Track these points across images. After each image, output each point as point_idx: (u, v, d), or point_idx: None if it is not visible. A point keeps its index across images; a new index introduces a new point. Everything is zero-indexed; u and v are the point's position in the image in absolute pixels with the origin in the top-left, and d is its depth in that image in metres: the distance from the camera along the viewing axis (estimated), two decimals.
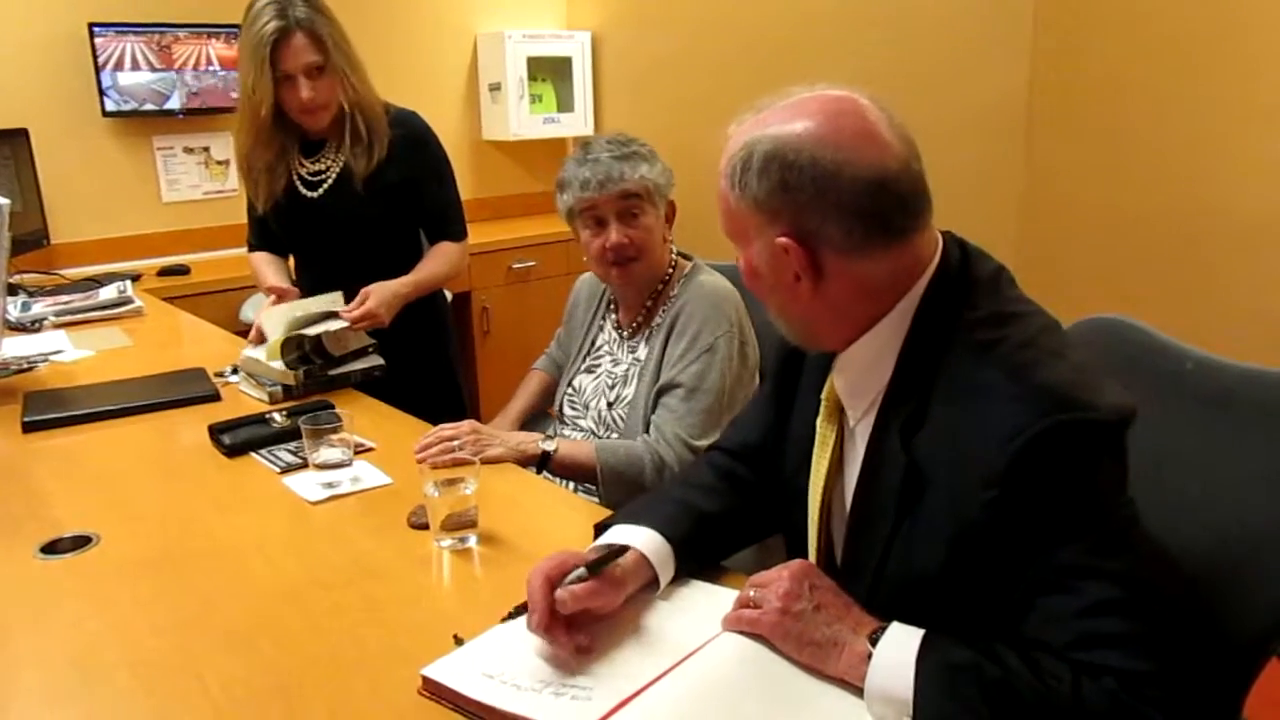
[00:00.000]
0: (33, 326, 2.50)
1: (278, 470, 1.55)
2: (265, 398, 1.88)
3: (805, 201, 0.94)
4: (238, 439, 1.63)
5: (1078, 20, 2.93)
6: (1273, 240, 2.60)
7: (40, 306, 2.64)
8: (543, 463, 1.62)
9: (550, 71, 4.25)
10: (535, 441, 1.63)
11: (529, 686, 0.95)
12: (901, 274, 0.98)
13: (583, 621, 1.02)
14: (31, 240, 3.14)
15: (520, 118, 4.11)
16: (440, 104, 4.06)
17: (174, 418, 1.82)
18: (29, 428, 1.76)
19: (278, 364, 1.87)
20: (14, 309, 2.59)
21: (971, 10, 3.11)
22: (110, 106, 3.33)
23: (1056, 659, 0.84)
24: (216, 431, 1.66)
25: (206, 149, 3.61)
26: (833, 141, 0.93)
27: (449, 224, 2.24)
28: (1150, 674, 0.81)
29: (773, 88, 1.01)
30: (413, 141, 2.15)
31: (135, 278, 3.10)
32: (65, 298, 2.72)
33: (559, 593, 1.00)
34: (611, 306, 1.89)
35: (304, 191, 2.12)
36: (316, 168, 2.12)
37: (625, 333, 1.84)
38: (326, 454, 1.48)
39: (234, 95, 3.42)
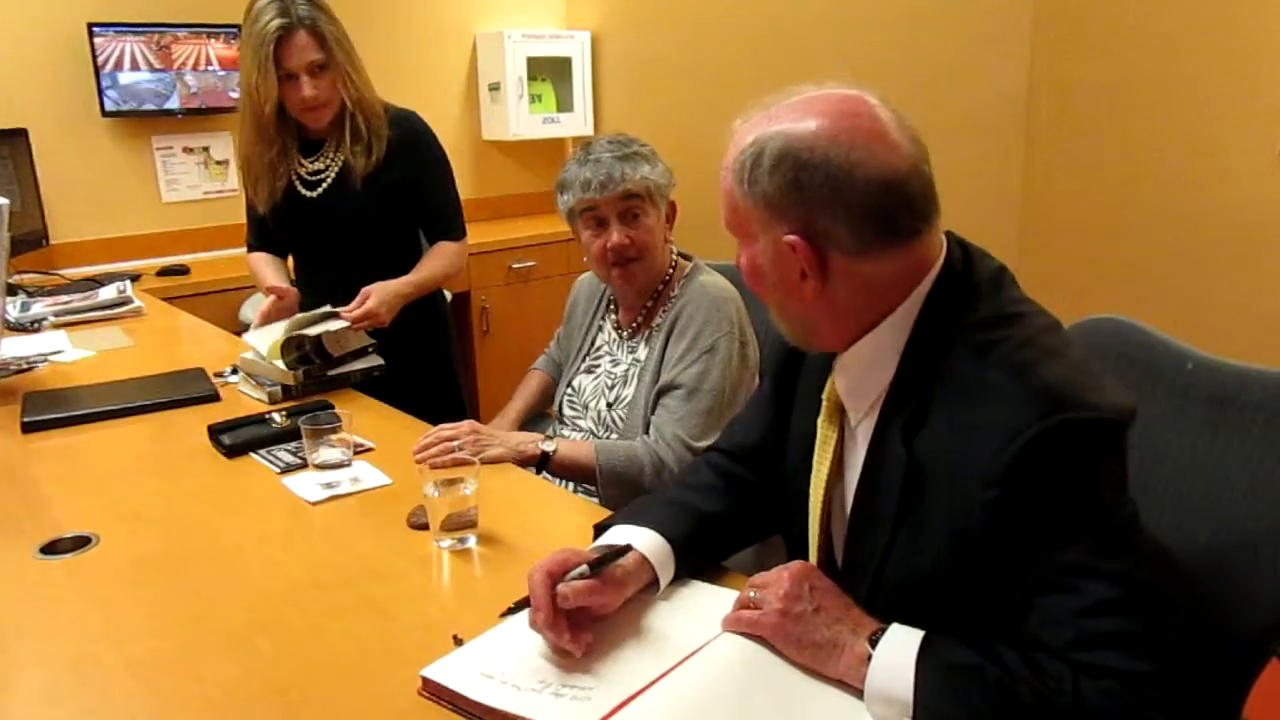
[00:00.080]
0: (32, 326, 2.50)
1: (277, 470, 1.55)
2: (265, 398, 1.88)
3: (816, 200, 0.93)
4: (237, 439, 1.63)
5: (1077, 20, 2.93)
6: (1273, 240, 2.60)
7: (40, 306, 2.64)
8: (542, 463, 1.62)
9: (550, 71, 4.25)
10: (535, 442, 1.63)
11: (529, 687, 0.95)
12: (907, 275, 0.98)
13: (582, 621, 1.02)
14: (31, 240, 3.14)
15: (520, 117, 4.11)
16: (440, 104, 4.06)
17: (174, 418, 1.82)
18: (28, 428, 1.76)
19: (278, 364, 1.87)
20: (14, 309, 2.59)
21: (971, 10, 3.11)
22: (110, 106, 3.33)
23: (1057, 659, 0.84)
24: (216, 432, 1.66)
25: (206, 149, 3.61)
26: (846, 141, 0.92)
27: (448, 223, 2.24)
28: (1151, 674, 0.81)
29: (773, 88, 1.00)
30: (412, 141, 2.15)
31: (135, 278, 3.10)
32: (65, 298, 2.71)
33: (560, 587, 1.00)
34: (611, 306, 1.89)
35: (303, 191, 2.12)
36: (315, 167, 2.12)
37: (625, 333, 1.84)
38: (326, 454, 1.48)
39: (233, 95, 3.43)
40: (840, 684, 0.92)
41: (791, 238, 0.95)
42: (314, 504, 1.43)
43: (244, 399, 1.91)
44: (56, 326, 2.51)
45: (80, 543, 1.32)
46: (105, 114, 3.34)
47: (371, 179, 2.09)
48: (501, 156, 4.36)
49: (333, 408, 1.66)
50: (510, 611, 1.07)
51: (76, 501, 1.46)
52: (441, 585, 1.23)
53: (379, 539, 1.32)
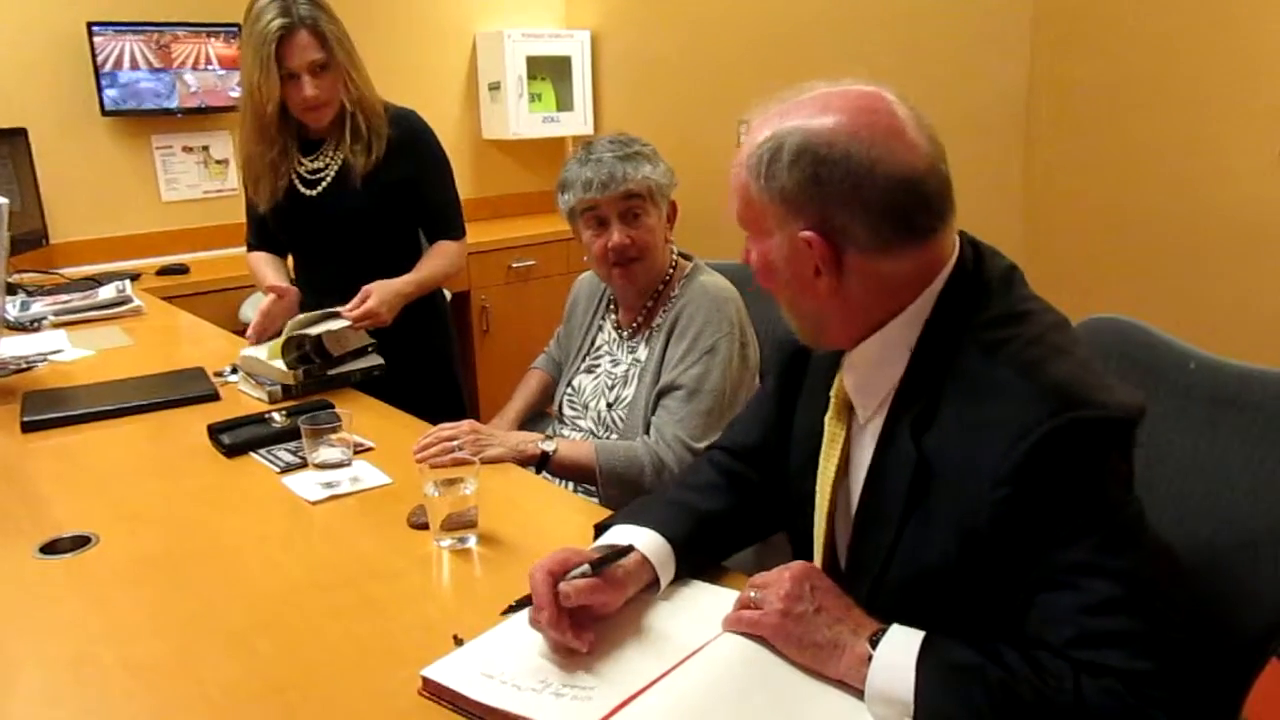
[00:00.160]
0: (32, 326, 2.50)
1: (277, 470, 1.55)
2: (265, 397, 1.87)
3: (835, 197, 0.93)
4: (237, 439, 1.63)
5: (1077, 20, 2.93)
6: (1273, 240, 2.60)
7: (39, 306, 2.63)
8: (542, 463, 1.62)
9: (549, 70, 4.25)
10: (535, 442, 1.63)
11: (529, 686, 0.95)
12: (921, 274, 0.97)
13: (583, 621, 1.01)
14: (31, 239, 3.14)
15: (520, 117, 4.11)
16: (440, 103, 4.06)
17: (173, 417, 1.82)
18: (28, 427, 1.76)
19: (278, 363, 1.87)
20: (13, 308, 2.59)
21: (971, 10, 3.11)
22: (109, 105, 3.33)
23: (1058, 657, 0.84)
24: (216, 431, 1.66)
25: (206, 148, 3.61)
26: (866, 138, 0.92)
27: (448, 223, 2.24)
28: (1152, 673, 0.81)
29: (773, 88, 1.00)
30: (412, 140, 2.14)
31: (134, 277, 3.10)
32: (64, 297, 2.71)
33: (562, 586, 1.00)
34: (611, 306, 1.89)
35: (302, 190, 2.12)
36: (315, 166, 2.12)
37: (625, 333, 1.84)
38: (326, 454, 1.48)
39: (233, 94, 3.43)
40: (841, 684, 0.92)
41: (808, 234, 0.94)
42: (314, 504, 1.43)
43: (244, 398, 1.91)
44: (56, 326, 2.51)
45: (80, 542, 1.32)
46: (105, 113, 3.34)
47: (371, 178, 2.09)
48: (501, 156, 4.36)
49: (333, 407, 1.66)
50: (511, 609, 1.07)
51: (76, 501, 1.46)
52: (441, 585, 1.22)
53: (379, 539, 1.32)
